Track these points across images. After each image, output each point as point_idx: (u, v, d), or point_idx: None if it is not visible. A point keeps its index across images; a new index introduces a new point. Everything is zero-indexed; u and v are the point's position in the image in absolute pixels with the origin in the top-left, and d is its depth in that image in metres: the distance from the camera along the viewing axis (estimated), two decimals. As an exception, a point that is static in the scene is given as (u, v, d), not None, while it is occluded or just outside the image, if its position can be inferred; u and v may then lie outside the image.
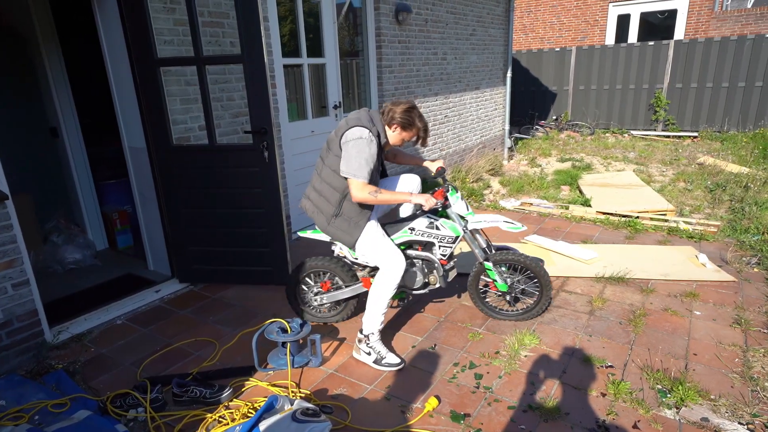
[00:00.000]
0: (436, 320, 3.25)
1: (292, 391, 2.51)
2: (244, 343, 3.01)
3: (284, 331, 2.70)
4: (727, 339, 2.91)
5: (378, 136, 2.60)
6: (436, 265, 2.90)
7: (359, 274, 3.02)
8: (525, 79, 11.64)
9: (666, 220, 5.19)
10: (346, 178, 2.56)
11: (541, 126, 11.10)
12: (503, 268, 3.06)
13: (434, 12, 6.33)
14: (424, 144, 2.73)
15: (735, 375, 2.57)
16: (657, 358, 2.74)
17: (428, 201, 2.68)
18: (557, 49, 11.21)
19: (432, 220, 2.85)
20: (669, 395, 2.41)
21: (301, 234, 3.04)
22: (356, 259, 2.91)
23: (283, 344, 2.71)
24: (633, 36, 12.66)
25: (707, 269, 3.83)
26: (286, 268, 3.68)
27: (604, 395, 2.44)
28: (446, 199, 2.86)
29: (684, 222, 5.09)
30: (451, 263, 2.99)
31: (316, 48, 5.09)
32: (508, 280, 3.06)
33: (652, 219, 5.27)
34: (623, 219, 5.19)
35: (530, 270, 3.03)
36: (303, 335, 2.71)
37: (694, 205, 5.78)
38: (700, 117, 10.05)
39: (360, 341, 2.78)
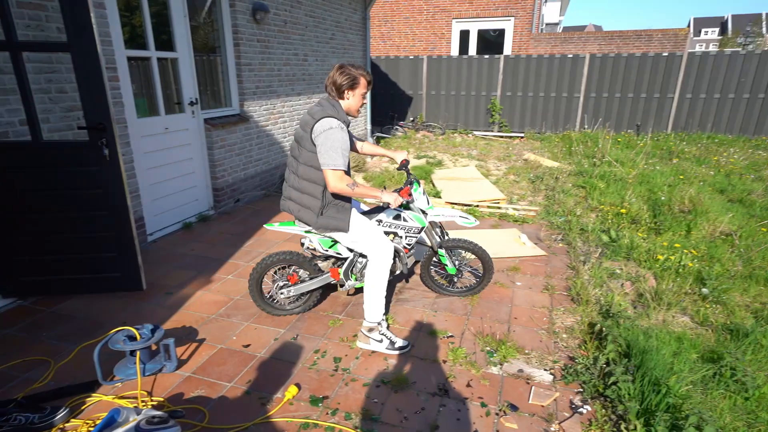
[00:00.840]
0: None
1: (142, 401, 2.28)
2: (85, 357, 2.64)
3: (132, 339, 2.43)
4: (539, 303, 3.40)
5: (346, 124, 2.52)
6: (401, 253, 2.98)
7: (322, 265, 3.00)
8: (385, 82, 12.13)
9: (499, 207, 5.86)
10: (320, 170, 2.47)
11: (401, 126, 11.68)
12: (453, 254, 3.30)
13: (293, 14, 6.23)
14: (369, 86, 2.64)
15: (543, 331, 3.02)
16: (487, 324, 3.09)
17: (396, 200, 2.70)
18: (411, 57, 11.88)
19: (398, 213, 2.96)
20: (495, 355, 2.74)
21: (268, 227, 2.97)
22: (327, 250, 2.87)
23: (132, 353, 2.44)
24: (473, 49, 14.00)
25: (527, 246, 4.43)
26: (138, 273, 3.32)
27: (445, 362, 2.68)
28: (410, 195, 2.91)
29: (513, 208, 5.80)
30: (411, 251, 3.07)
31: (166, 41, 4.64)
32: (456, 263, 3.33)
33: (489, 207, 5.91)
34: (466, 208, 5.73)
35: (476, 254, 3.26)
36: (155, 341, 2.47)
37: (521, 194, 6.62)
38: (525, 120, 11.54)
39: (371, 330, 2.74)
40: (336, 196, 2.61)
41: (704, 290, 3.51)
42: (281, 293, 3.02)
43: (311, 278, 3.01)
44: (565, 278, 3.79)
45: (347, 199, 2.68)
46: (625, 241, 4.48)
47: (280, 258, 2.93)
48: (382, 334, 2.76)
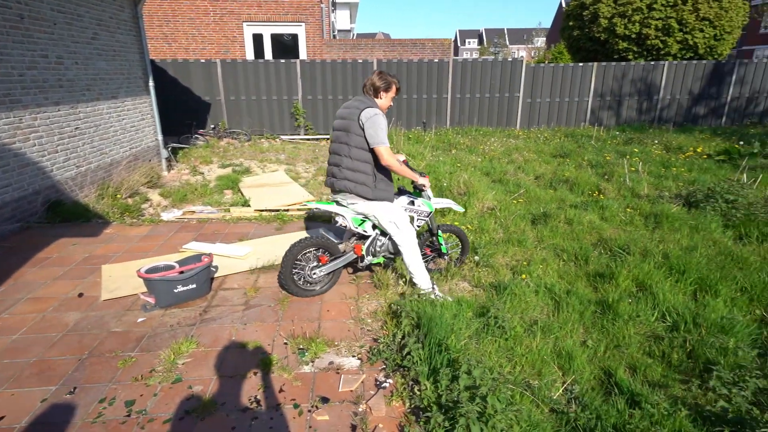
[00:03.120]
0: (76, 360, 2.74)
1: None
2: None
3: None
4: (347, 294, 3.61)
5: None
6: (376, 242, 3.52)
7: (350, 244, 3.50)
8: (176, 88, 11.13)
9: (309, 209, 5.99)
10: (371, 151, 3.06)
11: (201, 135, 10.90)
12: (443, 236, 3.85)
13: (33, 7, 5.17)
14: (398, 93, 3.31)
15: (351, 321, 3.22)
16: (298, 325, 3.14)
17: (427, 182, 3.44)
18: (203, 61, 11.18)
19: (412, 199, 3.50)
20: (306, 353, 2.80)
21: (308, 204, 3.41)
22: (356, 227, 3.34)
23: None
24: (269, 53, 13.93)
25: (334, 243, 4.65)
26: None
27: (256, 373, 2.62)
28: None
29: (321, 208, 6.00)
30: (383, 246, 3.58)
31: None
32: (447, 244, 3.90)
33: (299, 209, 5.99)
34: (274, 213, 5.70)
35: (456, 234, 3.94)
36: None
37: (329, 194, 6.89)
38: (329, 122, 12.03)
39: (427, 295, 3.25)
40: (381, 171, 3.18)
41: (476, 257, 4.24)
42: (314, 273, 3.41)
43: (337, 258, 3.45)
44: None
45: (389, 176, 3.27)
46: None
47: (311, 242, 3.34)
48: (438, 294, 3.30)
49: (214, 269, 3.79)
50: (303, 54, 13.86)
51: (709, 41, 14.30)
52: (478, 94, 12.23)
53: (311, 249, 3.40)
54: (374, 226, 3.44)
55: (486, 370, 2.43)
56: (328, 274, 3.51)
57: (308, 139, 11.77)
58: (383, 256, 3.59)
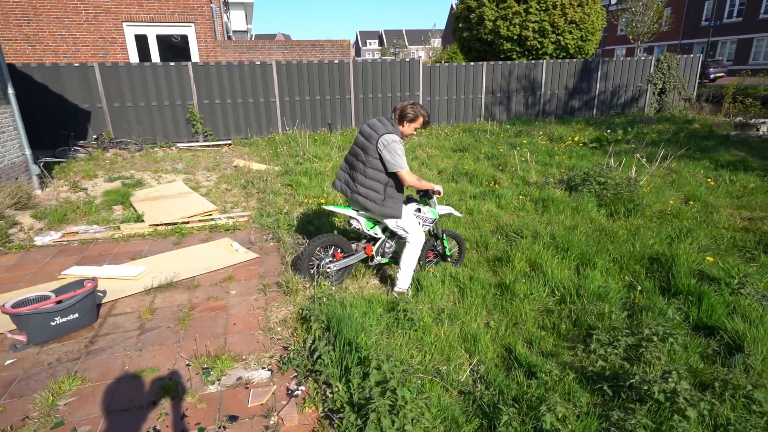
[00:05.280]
0: (-75, 421, 2.30)
1: None
2: None
3: None
4: (256, 305, 3.47)
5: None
6: (386, 245, 3.79)
7: (361, 245, 3.78)
8: (47, 95, 9.85)
9: (212, 220, 5.66)
10: (387, 173, 3.33)
11: (82, 146, 9.77)
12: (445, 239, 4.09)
13: None
14: (426, 127, 3.47)
15: (260, 332, 3.10)
16: (203, 344, 2.95)
17: (441, 190, 3.68)
18: (77, 65, 10.02)
19: (418, 207, 3.74)
20: (212, 372, 2.64)
21: (326, 207, 3.67)
22: (368, 230, 3.63)
23: None
24: (156, 56, 12.90)
25: (239, 253, 4.44)
26: None
27: (154, 403, 2.41)
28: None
29: (225, 218, 5.70)
30: (390, 248, 3.85)
31: None
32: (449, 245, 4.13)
33: (201, 221, 5.62)
34: (172, 227, 5.29)
35: (456, 240, 4.19)
36: None
37: (234, 202, 6.57)
38: (230, 127, 11.47)
39: (400, 294, 3.55)
40: (392, 189, 3.42)
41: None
42: (328, 267, 3.64)
43: (350, 256, 3.71)
44: (277, 274, 3.98)
45: (400, 194, 3.50)
46: (326, 228, 5.04)
47: (326, 240, 3.62)
48: (409, 299, 3.50)
49: (101, 294, 3.42)
50: (195, 56, 13.04)
51: (577, 42, 16.03)
52: (380, 94, 12.46)
53: (328, 246, 3.70)
54: (384, 230, 3.77)
55: (396, 363, 2.48)
56: (340, 270, 3.75)
57: (208, 146, 11.12)
58: (390, 258, 3.89)
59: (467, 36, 17.05)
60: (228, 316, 3.30)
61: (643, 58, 14.33)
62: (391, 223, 3.54)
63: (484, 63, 13.17)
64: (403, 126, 3.37)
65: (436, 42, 63.94)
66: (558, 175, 7.17)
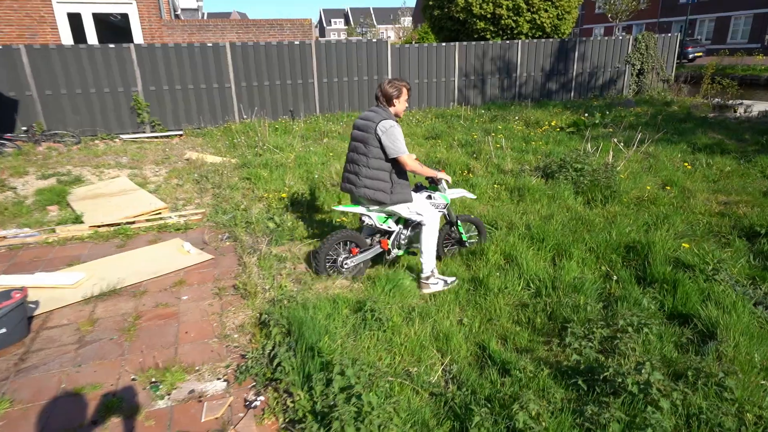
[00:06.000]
0: None
1: None
2: None
3: None
4: (210, 310, 3.41)
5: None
6: (400, 237, 4.02)
7: (376, 239, 3.96)
8: (-35, 83, 9.33)
9: (162, 219, 5.51)
10: (388, 160, 3.51)
11: (9, 140, 9.31)
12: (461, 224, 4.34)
13: None
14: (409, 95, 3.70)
15: (215, 340, 3.05)
16: (151, 355, 2.88)
17: (446, 176, 3.88)
18: (0, 47, 9.53)
19: (429, 194, 3.97)
20: (161, 386, 2.59)
21: (335, 208, 4.00)
22: (381, 225, 3.79)
23: None
24: (92, 37, 12.39)
25: (192, 255, 4.35)
26: None
27: (96, 423, 2.34)
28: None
29: (177, 216, 5.57)
30: (405, 239, 4.06)
31: None
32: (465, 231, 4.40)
33: (148, 221, 5.47)
34: (115, 228, 5.13)
35: (475, 224, 4.45)
36: None
37: (186, 198, 6.42)
38: (180, 116, 11.17)
39: (428, 278, 3.71)
40: (398, 176, 3.60)
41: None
42: (346, 263, 3.87)
43: (366, 250, 3.92)
44: (234, 276, 3.93)
45: (406, 179, 3.67)
46: (288, 224, 5.00)
47: (342, 236, 3.85)
48: (438, 278, 3.74)
49: (32, 306, 3.29)
50: (138, 37, 12.59)
51: (553, 20, 16.34)
52: (346, 78, 12.37)
53: (344, 241, 3.90)
54: (397, 221, 3.96)
55: (363, 366, 2.49)
56: (357, 264, 3.94)
57: (157, 137, 10.80)
58: (405, 249, 4.10)
59: (438, 14, 17.11)
60: (179, 323, 3.24)
61: (621, 38, 14.74)
62: (403, 210, 3.76)
63: (457, 44, 13.26)
64: (393, 106, 3.60)
65: (407, 21, 63.93)
66: (534, 162, 7.33)
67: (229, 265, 4.18)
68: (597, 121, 10.08)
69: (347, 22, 75.87)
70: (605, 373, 2.44)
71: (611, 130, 9.48)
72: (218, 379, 2.65)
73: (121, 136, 10.66)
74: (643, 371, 2.34)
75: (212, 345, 2.98)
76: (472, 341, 3.08)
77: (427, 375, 2.72)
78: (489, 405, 2.39)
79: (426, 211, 3.76)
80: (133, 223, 5.35)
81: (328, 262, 3.92)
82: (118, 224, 5.24)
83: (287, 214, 5.30)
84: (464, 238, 4.39)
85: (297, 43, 11.71)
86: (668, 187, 5.99)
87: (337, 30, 76.47)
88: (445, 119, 11.63)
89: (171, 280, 3.87)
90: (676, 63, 15.75)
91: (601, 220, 4.90)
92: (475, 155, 7.89)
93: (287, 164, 7.68)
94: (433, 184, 4.03)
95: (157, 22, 12.48)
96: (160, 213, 5.76)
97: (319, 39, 12.94)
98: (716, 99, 12.33)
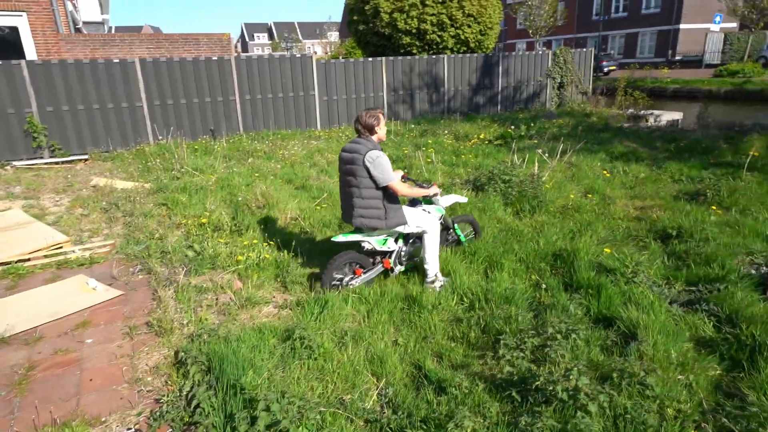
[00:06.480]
0: None
1: None
2: None
3: None
4: (119, 353, 3.19)
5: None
6: (402, 252, 4.26)
7: (378, 259, 4.18)
8: None
9: (63, 254, 5.11)
10: (379, 188, 3.81)
11: None
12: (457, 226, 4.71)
13: None
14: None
15: (125, 385, 2.85)
16: (47, 410, 2.63)
17: (438, 190, 4.23)
18: None
19: (423, 207, 4.25)
20: (59, 445, 2.37)
21: (335, 240, 4.05)
22: (381, 247, 4.02)
23: None
24: (-22, 53, 11.42)
25: (97, 292, 4.06)
26: None
27: (-22, 496, 2.09)
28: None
29: (81, 250, 5.18)
30: (405, 255, 4.30)
31: None
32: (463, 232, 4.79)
33: (46, 256, 5.05)
34: (4, 267, 4.68)
35: (470, 223, 4.91)
36: None
37: (93, 229, 6.00)
38: (85, 139, 10.49)
39: (432, 281, 4.07)
40: (390, 201, 3.87)
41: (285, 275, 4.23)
42: (351, 284, 4.00)
43: (369, 270, 4.11)
44: (147, 313, 3.71)
45: (397, 202, 3.94)
46: (209, 252, 4.81)
47: (347, 258, 3.99)
48: (439, 279, 4.08)
49: None
50: (32, 53, 11.77)
51: (476, 36, 17.23)
52: (270, 95, 12.26)
53: (349, 263, 4.04)
54: (396, 239, 4.16)
55: (291, 399, 2.43)
56: (362, 284, 4.04)
57: (57, 163, 10.07)
58: (407, 263, 4.30)
59: (363, 29, 17.49)
60: (82, 371, 2.99)
61: (541, 53, 15.82)
62: (401, 229, 4.03)
63: (384, 59, 13.59)
64: (375, 134, 3.88)
65: (333, 36, 64.74)
66: (464, 175, 7.61)
67: (141, 300, 3.94)
68: (523, 134, 10.67)
69: (271, 37, 75.53)
70: (536, 383, 2.54)
71: (536, 141, 10.08)
72: (128, 429, 2.47)
73: (13, 163, 9.84)
74: (571, 377, 2.46)
75: (121, 391, 2.78)
76: (407, 361, 3.10)
77: (362, 401, 2.70)
78: (425, 426, 2.41)
79: (425, 221, 4.06)
80: (28, 260, 4.92)
81: (334, 281, 4.07)
82: (8, 263, 4.79)
83: (208, 241, 5.10)
84: (462, 239, 4.76)
85: (215, 58, 11.47)
86: (590, 195, 6.43)
87: (261, 45, 75.88)
88: (375, 135, 11.80)
89: (72, 322, 3.58)
90: (593, 76, 17.12)
91: (530, 230, 5.16)
92: (406, 170, 8.06)
93: (208, 187, 7.43)
94: (427, 197, 4.31)
95: (53, 37, 11.74)
96: (61, 247, 5.34)
97: (241, 54, 12.76)
98: (630, 110, 13.51)
